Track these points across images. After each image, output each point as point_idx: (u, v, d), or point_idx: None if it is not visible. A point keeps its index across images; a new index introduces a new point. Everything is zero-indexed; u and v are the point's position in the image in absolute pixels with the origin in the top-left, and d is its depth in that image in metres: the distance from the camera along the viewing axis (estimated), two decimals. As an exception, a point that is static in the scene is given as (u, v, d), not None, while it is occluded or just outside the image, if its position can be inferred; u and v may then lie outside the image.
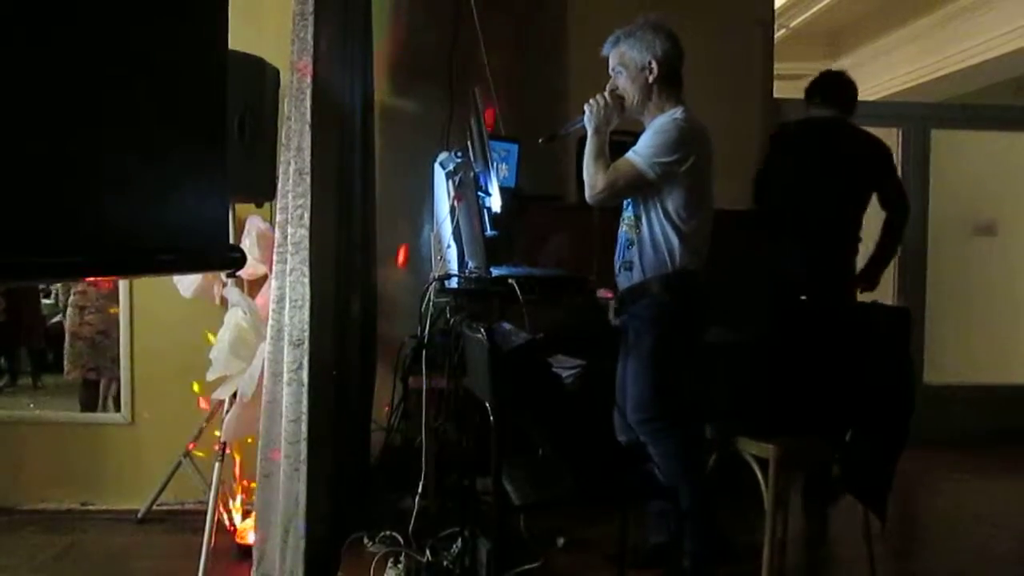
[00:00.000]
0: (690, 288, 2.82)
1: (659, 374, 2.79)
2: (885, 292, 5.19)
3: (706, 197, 2.83)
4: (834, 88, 3.85)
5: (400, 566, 2.82)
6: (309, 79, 2.69)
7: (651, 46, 2.81)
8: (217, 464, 3.13)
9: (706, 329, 2.93)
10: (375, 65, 3.67)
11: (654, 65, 2.80)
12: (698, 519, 2.82)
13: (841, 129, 3.78)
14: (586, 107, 2.85)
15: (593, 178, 2.81)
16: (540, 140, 3.18)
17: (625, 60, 2.84)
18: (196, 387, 3.57)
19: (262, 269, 3.24)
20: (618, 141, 3.09)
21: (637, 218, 2.84)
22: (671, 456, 2.80)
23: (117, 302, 3.86)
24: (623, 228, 2.92)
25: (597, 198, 2.83)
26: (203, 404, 3.56)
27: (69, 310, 4.33)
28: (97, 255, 0.85)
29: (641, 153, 2.75)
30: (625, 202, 2.90)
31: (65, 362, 4.33)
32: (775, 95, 4.66)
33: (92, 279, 3.76)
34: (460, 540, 2.83)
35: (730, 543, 2.97)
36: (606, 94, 2.84)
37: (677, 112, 2.81)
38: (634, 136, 3.30)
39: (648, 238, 2.80)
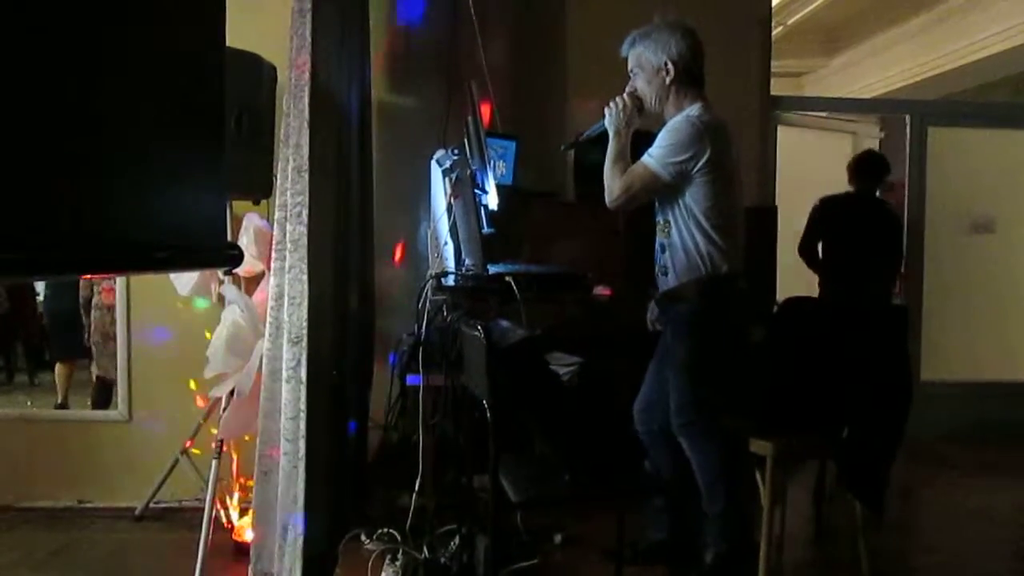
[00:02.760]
0: (727, 293, 2.77)
1: (698, 379, 2.75)
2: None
3: (730, 194, 2.76)
4: (868, 168, 4.82)
5: (398, 563, 2.82)
6: (307, 76, 2.68)
7: (666, 47, 2.76)
8: (214, 462, 3.13)
9: (746, 333, 2.90)
10: (373, 62, 3.67)
11: (670, 66, 2.75)
12: (730, 521, 2.78)
13: (873, 202, 4.82)
14: (606, 109, 2.83)
15: (611, 183, 2.78)
16: (562, 147, 3.25)
17: (642, 62, 2.80)
18: (193, 384, 3.57)
19: (259, 266, 3.23)
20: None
21: (667, 222, 2.80)
22: (710, 459, 2.76)
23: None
24: (657, 232, 2.87)
25: (615, 203, 2.79)
26: (200, 402, 3.56)
27: (95, 311, 4.29)
28: (95, 252, 0.85)
29: (654, 155, 2.70)
30: (655, 206, 2.85)
31: (98, 361, 4.31)
32: (772, 92, 4.67)
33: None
34: (457, 537, 2.83)
35: (756, 545, 2.93)
36: (625, 96, 2.81)
37: (693, 110, 2.75)
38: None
39: (679, 242, 2.75)
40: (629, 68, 2.86)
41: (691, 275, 2.74)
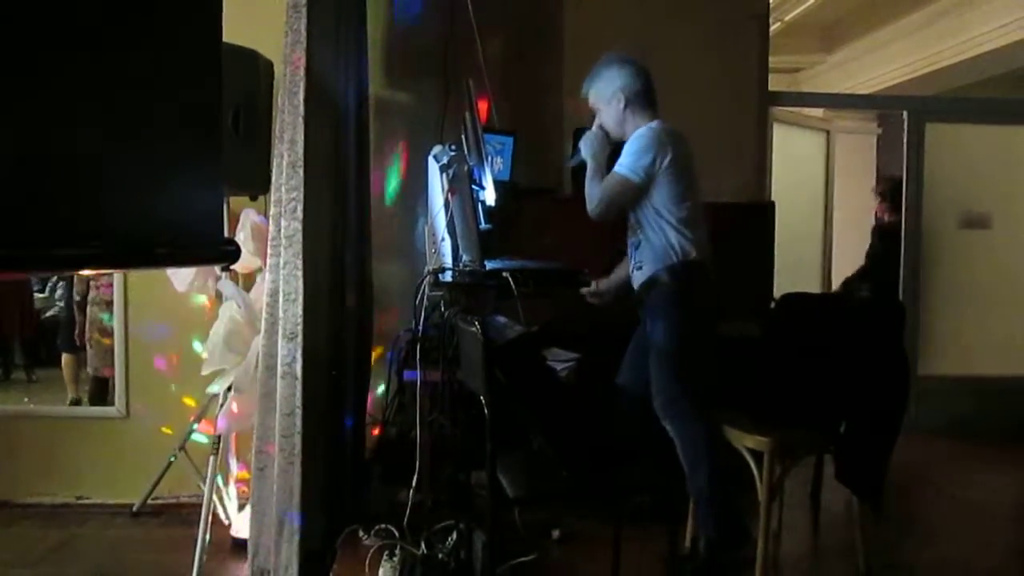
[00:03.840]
0: (698, 276, 2.94)
1: (677, 358, 2.87)
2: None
3: (692, 191, 2.97)
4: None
5: (395, 559, 2.82)
6: (302, 71, 2.68)
7: (613, 80, 3.04)
8: (212, 458, 3.13)
9: (718, 318, 3.01)
10: (369, 57, 3.66)
11: (620, 94, 3.02)
12: (716, 504, 2.85)
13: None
14: (581, 144, 3.07)
15: (590, 195, 2.96)
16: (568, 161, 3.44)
17: (598, 97, 3.08)
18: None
19: (256, 262, 3.23)
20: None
21: (637, 221, 2.98)
22: (692, 439, 2.85)
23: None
24: (629, 233, 3.06)
25: (597, 211, 2.96)
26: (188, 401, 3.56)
27: (91, 308, 4.29)
28: (93, 248, 0.85)
29: (623, 163, 2.92)
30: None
31: (92, 358, 4.30)
32: (770, 88, 4.67)
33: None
34: (455, 533, 2.83)
35: (746, 528, 2.95)
36: (595, 128, 3.09)
37: (652, 124, 2.99)
38: None
39: (651, 236, 2.94)
40: (591, 105, 3.12)
41: (664, 263, 2.91)
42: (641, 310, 3.03)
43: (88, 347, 4.35)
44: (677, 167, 2.90)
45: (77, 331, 4.55)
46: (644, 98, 3.05)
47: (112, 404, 3.89)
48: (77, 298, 4.58)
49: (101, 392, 4.25)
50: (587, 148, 3.05)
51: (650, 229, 2.94)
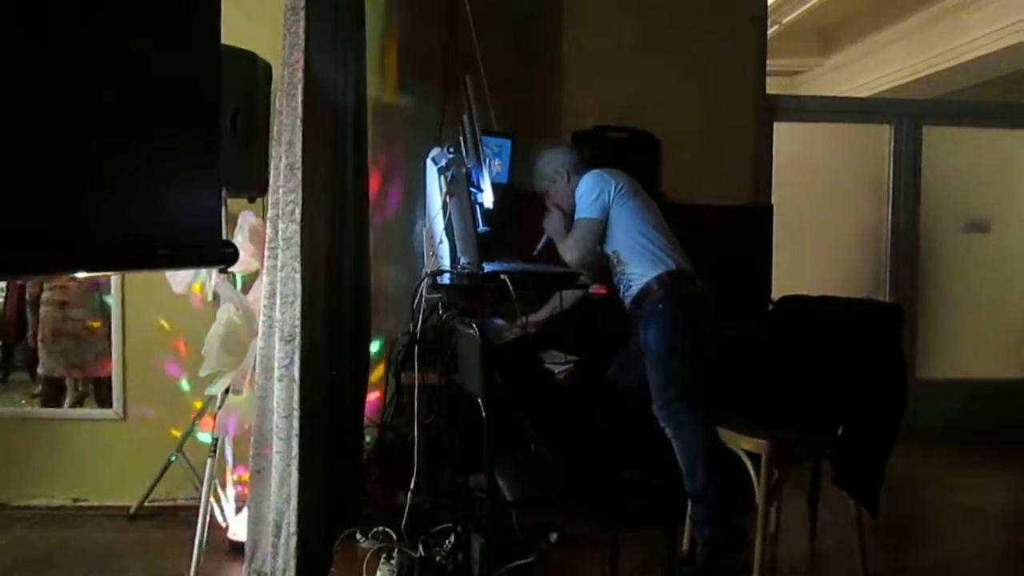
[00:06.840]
0: (685, 282, 3.02)
1: (673, 362, 2.94)
2: (878, 288, 5.22)
3: (650, 208, 3.15)
4: None
5: (393, 562, 2.82)
6: (301, 74, 2.68)
7: (551, 162, 3.30)
8: (209, 460, 3.12)
9: (711, 321, 3.06)
10: (367, 60, 3.66)
11: (562, 170, 3.27)
12: (712, 506, 2.89)
13: None
14: (544, 224, 3.26)
15: (566, 252, 3.13)
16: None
17: (543, 183, 3.32)
18: (186, 386, 3.58)
19: (254, 264, 3.23)
20: (616, 138, 3.85)
21: (616, 256, 3.13)
22: (689, 441, 2.91)
23: (100, 296, 3.89)
24: (613, 275, 3.19)
25: (576, 258, 3.10)
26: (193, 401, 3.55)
27: (44, 308, 4.21)
28: (92, 250, 0.85)
29: (580, 210, 3.13)
30: (603, 247, 3.18)
31: (45, 359, 4.21)
32: (768, 91, 4.67)
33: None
34: (453, 536, 2.83)
35: (743, 530, 2.97)
36: (552, 208, 3.27)
37: (588, 172, 3.19)
38: (627, 131, 3.84)
39: (630, 260, 3.08)
40: (540, 193, 3.33)
41: (651, 275, 3.03)
42: (636, 323, 3.10)
43: (40, 347, 4.24)
44: (626, 192, 3.11)
45: (30, 332, 4.45)
46: (582, 167, 3.26)
47: (65, 406, 3.94)
48: (28, 299, 4.48)
49: (55, 394, 4.19)
50: (549, 227, 3.24)
51: (628, 253, 3.08)
